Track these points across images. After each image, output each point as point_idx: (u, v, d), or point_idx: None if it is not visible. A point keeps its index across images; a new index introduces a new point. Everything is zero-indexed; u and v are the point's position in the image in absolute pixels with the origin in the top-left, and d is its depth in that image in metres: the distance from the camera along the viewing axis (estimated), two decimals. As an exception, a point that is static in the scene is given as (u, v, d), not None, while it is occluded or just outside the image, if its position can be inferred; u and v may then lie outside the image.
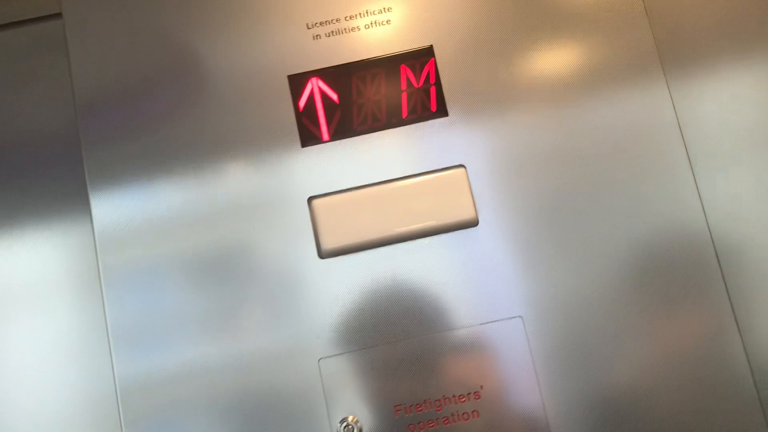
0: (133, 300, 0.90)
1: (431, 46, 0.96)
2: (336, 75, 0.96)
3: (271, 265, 0.92)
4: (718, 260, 0.91)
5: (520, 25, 0.96)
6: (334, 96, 0.96)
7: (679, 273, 0.91)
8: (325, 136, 0.95)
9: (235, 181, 0.94)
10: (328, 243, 0.92)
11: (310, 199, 0.93)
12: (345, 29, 0.97)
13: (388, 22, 0.97)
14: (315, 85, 0.96)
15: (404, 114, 0.95)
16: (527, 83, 0.95)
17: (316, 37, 0.97)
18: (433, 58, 0.96)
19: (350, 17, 0.97)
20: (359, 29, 0.97)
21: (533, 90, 0.95)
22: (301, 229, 0.93)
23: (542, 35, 0.96)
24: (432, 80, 0.96)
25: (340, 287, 0.91)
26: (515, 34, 0.96)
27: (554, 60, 0.96)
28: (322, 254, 0.92)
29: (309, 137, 0.95)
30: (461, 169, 0.94)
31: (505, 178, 0.94)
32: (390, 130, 0.95)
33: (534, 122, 0.94)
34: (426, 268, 0.92)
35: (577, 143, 0.94)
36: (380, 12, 0.97)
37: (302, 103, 0.96)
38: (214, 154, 0.94)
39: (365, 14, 0.97)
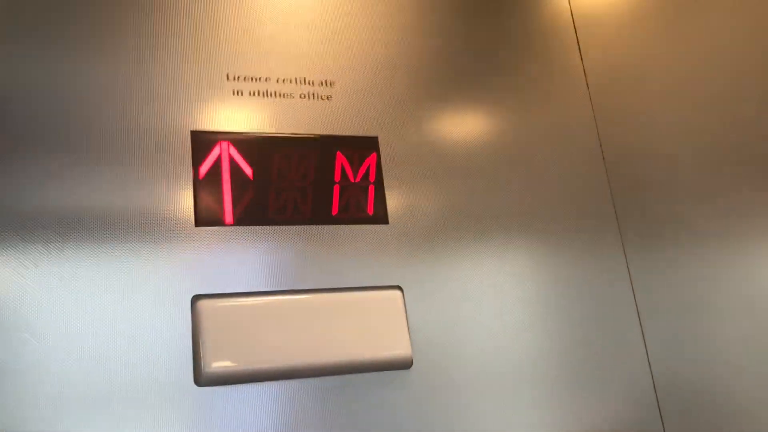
0: None
1: (376, 137, 0.79)
2: (254, 145, 0.74)
3: (137, 387, 0.62)
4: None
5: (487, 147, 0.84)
6: (248, 170, 0.73)
7: None
8: (229, 217, 0.70)
9: (95, 257, 0.65)
10: (213, 364, 0.64)
11: (195, 300, 0.66)
12: (275, 93, 0.77)
13: (328, 98, 0.79)
14: (225, 150, 0.73)
15: (334, 211, 0.75)
16: (492, 201, 0.81)
17: (237, 92, 0.75)
18: (375, 152, 0.78)
19: (284, 80, 0.77)
20: (292, 97, 0.77)
21: (495, 210, 0.81)
22: (176, 340, 0.65)
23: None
24: (372, 177, 0.77)
25: (222, 429, 0.63)
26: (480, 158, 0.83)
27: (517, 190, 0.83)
28: (202, 379, 0.64)
29: (206, 215, 0.70)
30: (397, 292, 0.74)
31: (450, 312, 0.75)
32: (314, 226, 0.73)
33: (489, 256, 0.79)
34: (339, 415, 0.67)
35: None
36: (321, 84, 0.79)
37: (204, 169, 0.71)
38: (79, 220, 0.65)
39: (303, 82, 0.78)
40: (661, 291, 0.84)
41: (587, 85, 0.91)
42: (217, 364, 0.64)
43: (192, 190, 0.70)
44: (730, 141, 0.93)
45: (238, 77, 0.75)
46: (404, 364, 0.71)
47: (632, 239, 0.85)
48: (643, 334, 0.81)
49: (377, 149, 0.78)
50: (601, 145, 0.88)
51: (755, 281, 0.87)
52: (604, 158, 0.88)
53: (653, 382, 0.79)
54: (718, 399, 0.81)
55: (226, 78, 0.75)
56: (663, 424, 0.78)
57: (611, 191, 0.86)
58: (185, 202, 0.69)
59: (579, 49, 0.92)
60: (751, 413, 0.82)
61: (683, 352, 0.82)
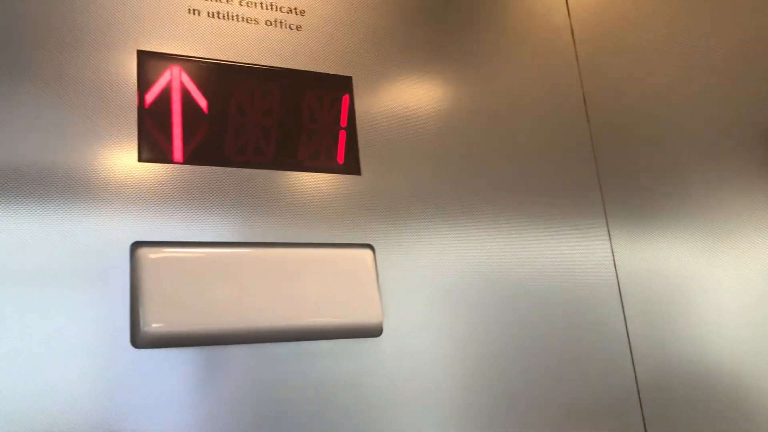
0: None
1: (350, 77, 0.70)
2: (211, 73, 0.64)
3: (65, 345, 0.52)
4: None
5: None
6: (202, 102, 0.62)
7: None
8: (178, 154, 0.60)
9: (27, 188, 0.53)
10: (154, 322, 0.54)
11: (135, 247, 0.56)
12: (237, 16, 0.66)
13: (298, 28, 0.69)
14: (176, 77, 0.62)
15: (300, 155, 0.65)
16: (472, 137, 0.73)
17: (193, 11, 0.64)
18: (348, 94, 0.69)
19: (249, 2, 0.67)
20: (257, 22, 0.67)
21: (479, 163, 0.73)
22: (112, 294, 0.54)
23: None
24: (343, 122, 0.68)
25: (161, 399, 0.54)
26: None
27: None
28: (139, 340, 0.54)
29: (152, 151, 0.59)
30: (367, 251, 0.65)
31: (428, 275, 0.67)
32: (277, 172, 0.64)
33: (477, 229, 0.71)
34: (300, 385, 0.59)
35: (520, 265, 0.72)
36: (290, 11, 0.69)
37: (151, 97, 0.60)
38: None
39: (270, 7, 0.68)
40: (643, 268, 0.79)
41: (574, 42, 0.84)
42: (158, 324, 0.54)
43: (137, 119, 0.59)
44: (719, 107, 0.89)
45: (196, -7, 0.65)
46: (374, 332, 0.63)
47: (616, 213, 0.79)
48: (624, 312, 0.76)
49: (350, 91, 0.69)
50: (585, 103, 0.82)
51: (744, 252, 0.83)
52: (588, 119, 0.81)
53: (634, 367, 0.74)
54: (698, 371, 0.77)
55: (181, -7, 0.64)
56: (641, 404, 0.73)
57: (594, 154, 0.80)
58: (127, 133, 0.59)
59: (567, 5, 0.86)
60: (735, 390, 0.78)
61: (663, 331, 0.77)
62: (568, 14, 0.85)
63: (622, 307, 0.76)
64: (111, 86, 0.59)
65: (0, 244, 0.52)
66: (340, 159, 0.67)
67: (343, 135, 0.68)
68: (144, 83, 0.60)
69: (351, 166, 0.67)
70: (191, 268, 0.57)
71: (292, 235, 0.63)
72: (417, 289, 0.66)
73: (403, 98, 0.71)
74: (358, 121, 0.68)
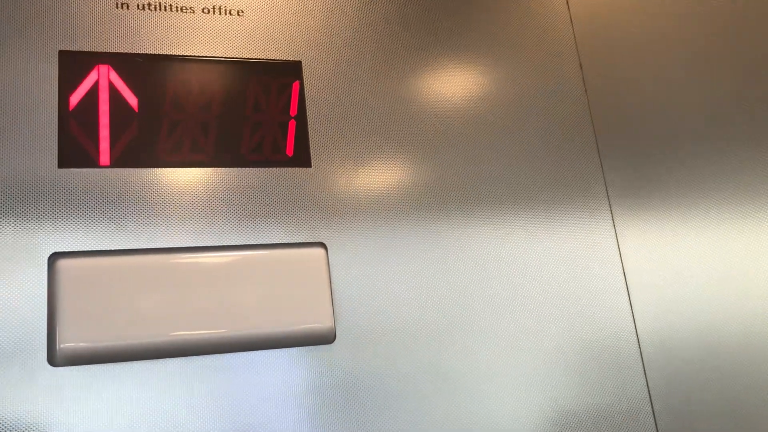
0: None
1: (299, 62, 0.64)
2: (141, 69, 0.60)
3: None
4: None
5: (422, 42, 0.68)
6: (132, 100, 0.59)
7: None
8: (104, 158, 0.56)
9: None
10: (70, 338, 0.51)
11: (53, 258, 0.53)
12: (170, 6, 0.62)
13: (239, 13, 0.64)
14: (103, 75, 0.58)
15: (243, 150, 0.60)
16: (433, 121, 0.66)
17: (122, 6, 0.61)
18: (298, 81, 0.64)
19: (183, -9, 0.63)
20: (192, 11, 0.62)
21: (441, 146, 0.66)
22: (28, 309, 0.51)
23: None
24: (293, 111, 0.63)
25: (82, 420, 0.50)
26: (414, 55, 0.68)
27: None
28: (57, 358, 0.50)
29: (75, 154, 0.56)
30: (320, 250, 0.60)
31: (385, 275, 0.61)
32: (217, 170, 0.59)
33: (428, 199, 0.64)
34: (250, 400, 0.54)
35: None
36: (231, -4, 0.64)
37: (75, 99, 0.57)
38: None
39: (207, -7, 0.64)
40: (649, 258, 0.69)
41: (574, 35, 0.75)
42: (74, 341, 0.51)
43: (57, 123, 0.56)
44: (724, 93, 0.77)
45: (124, -14, 0.61)
46: (325, 339, 0.57)
47: (620, 202, 0.70)
48: (629, 298, 0.67)
49: (300, 77, 0.64)
50: (585, 83, 0.73)
51: (749, 234, 0.72)
52: (589, 104, 0.73)
53: (641, 355, 0.65)
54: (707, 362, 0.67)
55: (108, -13, 0.61)
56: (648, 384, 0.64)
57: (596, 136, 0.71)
58: (47, 138, 0.55)
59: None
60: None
61: (670, 317, 0.68)
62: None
63: (630, 301, 0.67)
64: (29, 90, 0.56)
65: None
66: (289, 151, 0.62)
67: (292, 125, 0.62)
68: (67, 84, 0.57)
69: (301, 158, 0.62)
70: (114, 279, 0.53)
71: (236, 237, 0.58)
72: (374, 290, 0.60)
73: (358, 83, 0.65)
74: (308, 109, 0.63)
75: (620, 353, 0.65)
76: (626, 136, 0.72)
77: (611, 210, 0.69)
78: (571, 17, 0.75)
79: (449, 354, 0.60)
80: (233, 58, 0.62)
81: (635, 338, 0.66)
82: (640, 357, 0.65)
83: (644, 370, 0.65)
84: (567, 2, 0.76)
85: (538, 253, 0.66)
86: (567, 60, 0.73)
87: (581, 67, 0.73)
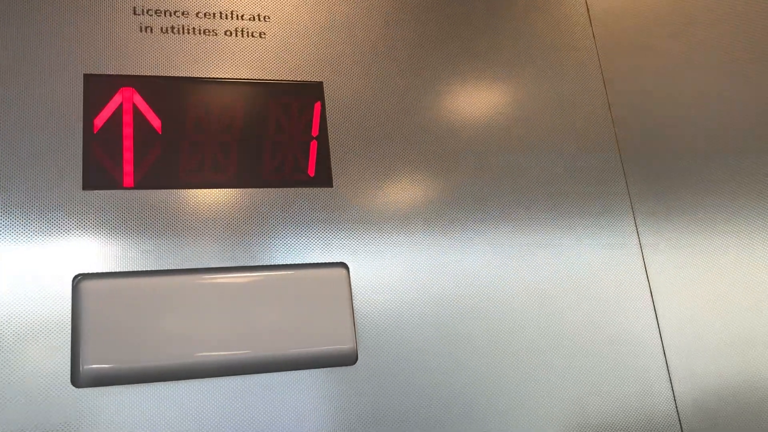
0: None
1: (321, 83, 0.65)
2: (164, 91, 0.60)
3: (3, 385, 0.49)
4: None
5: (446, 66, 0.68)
6: (155, 122, 0.59)
7: None
8: (128, 179, 0.57)
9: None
10: (93, 360, 0.51)
11: (78, 280, 0.53)
12: (193, 29, 0.63)
13: (261, 35, 0.64)
14: (128, 99, 0.59)
15: (265, 173, 0.61)
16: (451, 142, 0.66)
17: (146, 29, 0.61)
18: (320, 102, 0.64)
19: (205, 14, 0.63)
20: (215, 34, 0.63)
21: (467, 170, 0.66)
22: (53, 330, 0.51)
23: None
24: (315, 131, 0.63)
25: (100, 447, 0.50)
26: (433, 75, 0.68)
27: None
28: (80, 379, 0.51)
29: (99, 177, 0.56)
30: (341, 270, 0.59)
31: (406, 295, 0.60)
32: (239, 190, 0.59)
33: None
34: (272, 421, 0.54)
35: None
36: (252, 19, 0.65)
37: (100, 121, 0.58)
38: None
39: (229, 16, 0.64)
40: (675, 275, 0.68)
41: (597, 51, 0.74)
42: (98, 362, 0.51)
43: (82, 145, 0.56)
44: (745, 107, 0.76)
45: (148, 10, 0.62)
46: (348, 360, 0.57)
47: (645, 217, 0.69)
48: (657, 318, 0.66)
49: (322, 98, 0.64)
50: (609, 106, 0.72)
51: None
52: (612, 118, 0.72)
53: (672, 388, 0.64)
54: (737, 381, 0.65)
55: (132, 12, 0.61)
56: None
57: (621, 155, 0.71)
58: (72, 160, 0.56)
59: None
60: None
61: (698, 342, 0.66)
62: (589, 18, 0.76)
63: (656, 315, 0.66)
64: (55, 113, 0.57)
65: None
66: (311, 171, 0.62)
67: (314, 145, 0.62)
68: (92, 108, 0.58)
69: (322, 178, 0.62)
70: (137, 300, 0.53)
71: (257, 258, 0.58)
72: (396, 310, 0.59)
73: (379, 103, 0.65)
74: (329, 129, 0.63)
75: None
76: (651, 154, 0.72)
77: (636, 226, 0.68)
78: (594, 35, 0.75)
79: (474, 372, 0.59)
80: (255, 79, 0.63)
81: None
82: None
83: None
84: (590, 20, 0.75)
85: (562, 273, 0.65)
86: (591, 77, 0.73)
87: (604, 84, 0.73)
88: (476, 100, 0.68)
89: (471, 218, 0.64)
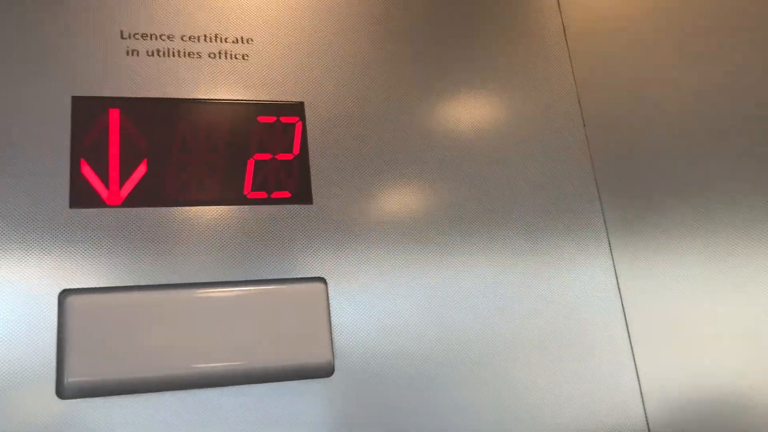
0: None
1: (302, 103, 0.67)
2: (150, 112, 0.62)
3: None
4: None
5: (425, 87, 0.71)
6: (141, 141, 0.61)
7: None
8: (114, 197, 0.59)
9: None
10: (78, 372, 0.53)
11: (64, 295, 0.55)
12: (178, 51, 0.65)
13: (244, 57, 0.67)
14: (114, 120, 0.61)
15: (246, 189, 0.63)
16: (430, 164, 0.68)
17: (132, 52, 0.64)
18: (301, 122, 0.66)
19: (189, 38, 0.66)
20: (200, 56, 0.66)
21: (442, 187, 0.68)
22: (39, 343, 0.54)
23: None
24: (296, 150, 0.65)
25: (84, 456, 0.52)
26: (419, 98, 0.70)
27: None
28: (65, 390, 0.53)
29: (85, 195, 0.58)
30: (319, 285, 0.62)
31: (384, 309, 0.63)
32: (222, 207, 0.62)
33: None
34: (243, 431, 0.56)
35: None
36: (236, 41, 0.67)
37: (87, 142, 0.60)
38: None
39: (213, 39, 0.66)
40: (647, 289, 0.70)
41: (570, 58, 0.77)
42: (82, 375, 0.53)
43: (69, 164, 0.59)
44: (734, 120, 0.79)
45: (135, 34, 0.64)
46: (324, 372, 0.59)
47: (617, 231, 0.71)
48: (629, 333, 0.67)
49: (303, 117, 0.66)
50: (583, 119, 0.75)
51: (751, 276, 0.73)
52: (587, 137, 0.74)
53: (642, 400, 0.66)
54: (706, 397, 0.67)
55: (119, 35, 0.64)
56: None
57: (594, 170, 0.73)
58: (60, 179, 0.58)
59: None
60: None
61: (669, 358, 0.68)
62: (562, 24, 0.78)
63: (629, 334, 0.67)
64: (43, 133, 0.59)
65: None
66: (292, 189, 0.64)
67: (295, 164, 0.65)
68: (79, 128, 0.60)
69: (303, 195, 0.64)
70: (120, 314, 0.55)
71: (238, 273, 0.60)
72: (373, 323, 0.61)
73: (359, 122, 0.67)
74: (310, 148, 0.65)
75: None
76: (625, 167, 0.74)
77: (607, 234, 0.70)
78: (569, 53, 0.77)
79: (449, 388, 0.61)
80: (238, 100, 0.65)
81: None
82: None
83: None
84: (566, 39, 0.78)
85: (539, 289, 0.67)
86: (566, 97, 0.75)
87: (579, 102, 0.75)
88: (454, 118, 0.71)
89: (448, 234, 0.66)
